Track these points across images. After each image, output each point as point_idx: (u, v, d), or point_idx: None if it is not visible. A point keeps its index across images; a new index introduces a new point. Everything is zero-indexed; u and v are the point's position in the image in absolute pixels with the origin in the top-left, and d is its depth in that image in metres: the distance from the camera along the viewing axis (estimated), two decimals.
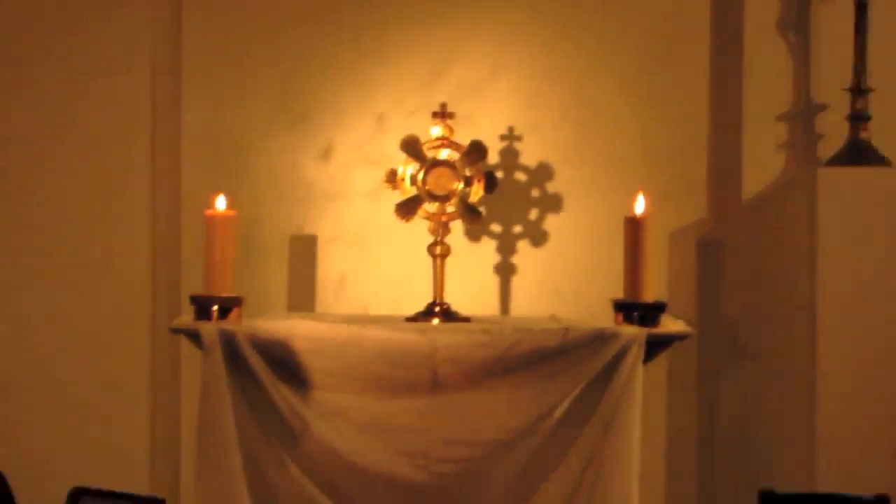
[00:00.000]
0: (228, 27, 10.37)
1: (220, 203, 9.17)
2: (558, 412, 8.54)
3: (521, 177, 10.02)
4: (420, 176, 9.43)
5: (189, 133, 10.20)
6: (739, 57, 10.21)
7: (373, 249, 10.08)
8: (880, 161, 9.70)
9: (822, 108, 9.86)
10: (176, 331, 9.20)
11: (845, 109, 9.70)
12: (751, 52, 10.15)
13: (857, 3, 9.50)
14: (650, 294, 8.96)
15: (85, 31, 10.25)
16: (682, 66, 10.27)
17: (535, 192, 10.06)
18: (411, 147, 9.31)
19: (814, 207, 9.59)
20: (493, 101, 10.04)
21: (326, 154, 10.14)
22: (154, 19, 10.22)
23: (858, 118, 9.66)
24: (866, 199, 9.72)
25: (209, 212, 9.17)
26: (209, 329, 8.56)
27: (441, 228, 9.34)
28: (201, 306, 8.93)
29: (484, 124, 9.83)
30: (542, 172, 10.00)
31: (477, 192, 9.39)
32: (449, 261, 9.41)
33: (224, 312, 8.77)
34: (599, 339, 8.57)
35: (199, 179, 9.79)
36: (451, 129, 9.41)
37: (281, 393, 8.49)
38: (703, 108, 10.24)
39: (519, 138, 9.97)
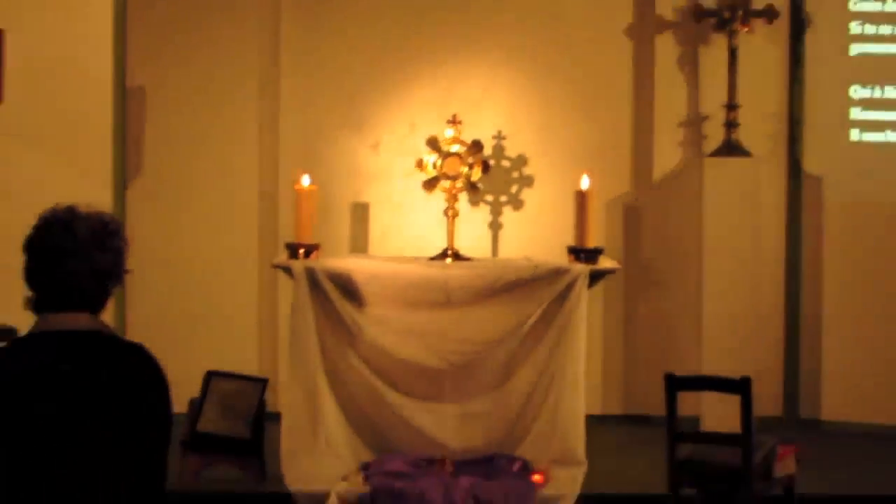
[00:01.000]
0: (315, 59, 10.43)
1: (305, 180, 9.41)
2: (530, 321, 8.89)
3: (505, 164, 10.26)
4: (438, 163, 9.64)
5: (285, 132, 10.41)
6: (652, 81, 10.40)
7: (406, 212, 10.34)
8: (744, 153, 10.08)
9: (707, 117, 9.92)
10: (275, 266, 9.46)
11: (722, 118, 9.76)
12: (660, 79, 10.41)
13: (729, 48, 9.58)
14: (592, 242, 9.30)
15: (212, 59, 10.19)
16: (613, 88, 10.58)
17: (514, 174, 10.33)
18: (433, 144, 9.62)
19: (701, 184, 10.02)
20: (487, 113, 10.28)
21: (376, 147, 10.31)
22: (261, 51, 10.20)
23: (731, 125, 10.01)
24: (735, 178, 9.99)
25: (298, 186, 9.40)
26: (298, 265, 8.97)
27: (452, 198, 9.60)
28: (292, 250, 9.24)
29: (481, 128, 10.03)
30: (520, 161, 10.28)
31: (476, 174, 9.62)
32: (457, 220, 9.51)
33: (307, 254, 9.07)
34: (557, 272, 8.93)
35: (291, 164, 9.85)
36: (459, 132, 9.54)
37: (345, 308, 8.84)
38: (628, 117, 10.53)
39: (504, 138, 10.25)
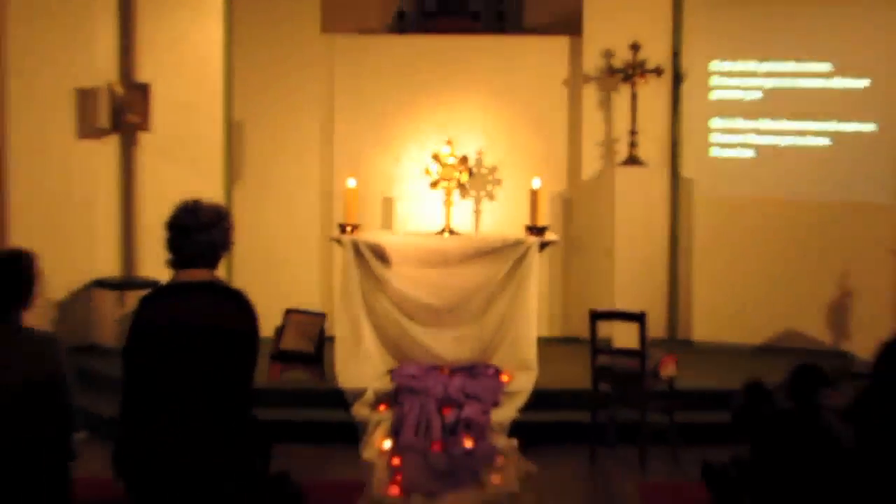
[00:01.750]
0: (357, 100, 10.48)
1: (351, 182, 9.42)
2: (500, 275, 8.97)
3: (483, 171, 10.18)
4: (439, 170, 9.67)
5: (337, 150, 10.41)
6: (580, 115, 10.48)
7: (417, 202, 10.29)
8: (642, 164, 10.05)
9: (617, 140, 10.21)
10: (332, 239, 9.51)
11: (627, 141, 9.99)
12: (585, 114, 10.42)
13: (631, 93, 9.78)
14: (541, 222, 9.31)
15: (289, 100, 10.24)
16: (555, 120, 10.51)
17: (489, 178, 10.30)
18: (436, 157, 9.66)
19: (613, 184, 9.99)
20: (471, 136, 10.23)
21: (397, 160, 10.31)
22: (321, 95, 10.22)
23: (633, 145, 10.03)
24: (635, 180, 10.02)
25: (347, 187, 9.26)
26: (346, 238, 9.07)
27: (448, 193, 9.69)
28: (342, 228, 9.20)
29: (467, 147, 9.97)
30: (493, 169, 10.28)
31: (464, 178, 9.72)
32: (451, 208, 9.70)
33: (352, 231, 9.05)
34: (518, 243, 9.05)
35: (342, 172, 9.81)
36: (453, 149, 9.61)
37: (377, 267, 9.02)
38: (564, 139, 10.58)
39: (482, 153, 10.16)
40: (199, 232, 5.07)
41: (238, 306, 5.05)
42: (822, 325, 9.38)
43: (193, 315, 4.97)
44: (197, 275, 5.06)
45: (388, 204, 10.45)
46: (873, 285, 8.93)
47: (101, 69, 9.38)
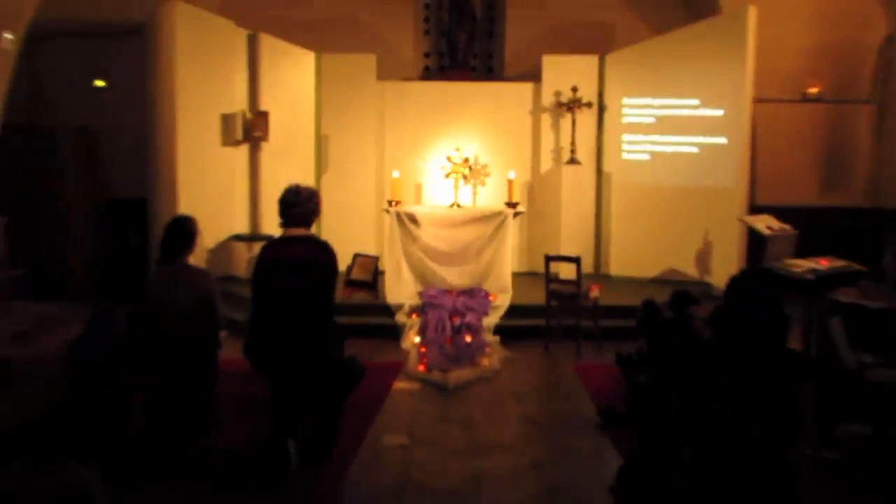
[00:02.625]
0: (398, 117, 10.47)
1: (395, 174, 9.48)
2: (488, 233, 8.94)
3: (479, 167, 10.15)
4: (451, 166, 9.56)
5: (387, 153, 10.33)
6: (540, 132, 10.32)
7: (436, 187, 10.27)
8: (578, 163, 9.90)
9: (563, 148, 9.97)
10: (384, 210, 9.40)
11: (569, 148, 9.72)
12: (543, 131, 10.28)
13: (572, 118, 9.49)
14: (515, 199, 9.33)
15: (354, 119, 10.23)
16: (524, 136, 10.41)
17: (482, 171, 10.21)
18: (449, 158, 9.74)
19: (560, 176, 9.92)
20: (471, 145, 10.17)
21: (424, 160, 10.28)
22: (375, 113, 10.19)
23: (573, 151, 9.94)
24: (574, 174, 9.93)
25: (392, 177, 9.20)
26: (392, 210, 9.00)
27: (456, 181, 9.51)
28: (389, 203, 9.14)
29: (469, 151, 9.95)
30: (485, 166, 10.14)
31: (466, 171, 9.74)
32: (458, 191, 9.66)
33: (396, 205, 8.99)
34: (500, 213, 9.02)
35: (389, 167, 9.86)
36: (459, 153, 9.55)
37: (411, 227, 9.00)
38: (529, 147, 10.45)
39: (478, 156, 10.06)
40: (299, 205, 5.07)
41: (324, 250, 5.07)
42: (692, 265, 9.31)
43: (295, 256, 4.99)
44: (297, 231, 5.09)
45: (418, 188, 10.40)
46: (724, 239, 8.83)
47: (238, 101, 9.30)
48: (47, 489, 3.14)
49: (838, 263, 5.86)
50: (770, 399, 4.41)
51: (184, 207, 7.81)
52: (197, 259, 5.81)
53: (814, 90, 10.00)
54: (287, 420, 4.85)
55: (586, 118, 10.07)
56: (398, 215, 8.89)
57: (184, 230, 5.17)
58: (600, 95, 10.14)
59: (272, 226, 7.13)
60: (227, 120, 9.13)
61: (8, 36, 6.62)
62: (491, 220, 8.92)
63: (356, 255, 8.93)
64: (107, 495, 3.31)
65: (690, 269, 9.33)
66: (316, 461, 4.76)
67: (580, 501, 4.42)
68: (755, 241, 8.24)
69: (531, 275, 9.75)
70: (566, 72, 10.06)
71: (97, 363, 4.61)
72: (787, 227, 7.97)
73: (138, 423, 4.82)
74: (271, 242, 5.27)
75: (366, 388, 5.70)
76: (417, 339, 7.72)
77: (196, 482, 4.46)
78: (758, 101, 9.09)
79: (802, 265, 5.96)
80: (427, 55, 10.90)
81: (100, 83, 9.64)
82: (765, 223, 7.99)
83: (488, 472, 4.81)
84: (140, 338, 4.94)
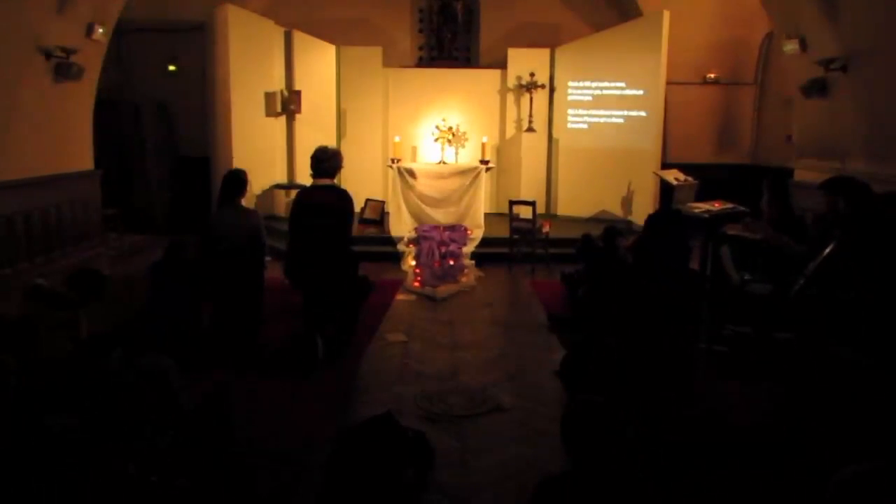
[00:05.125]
0: (401, 97, 10.10)
1: (397, 138, 9.27)
2: (466, 183, 8.80)
3: (460, 133, 9.80)
4: (439, 132, 9.41)
5: (390, 122, 10.03)
6: (505, 108, 10.06)
7: (428, 148, 9.95)
8: (534, 131, 9.71)
9: (521, 119, 9.75)
10: (388, 165, 9.15)
11: (527, 119, 9.54)
12: (507, 107, 10.01)
13: (530, 97, 9.40)
14: (487, 157, 8.95)
15: (366, 98, 9.91)
16: (493, 112, 10.14)
17: (463, 137, 9.93)
18: (437, 127, 9.44)
19: (520, 141, 9.73)
20: (455, 117, 9.93)
21: (418, 127, 9.93)
22: (383, 92, 9.81)
23: (530, 121, 9.70)
24: (531, 140, 9.77)
25: (394, 141, 8.87)
26: (394, 166, 8.78)
27: (444, 144, 9.30)
28: (392, 160, 8.94)
29: (453, 121, 9.70)
30: (464, 133, 9.89)
31: (450, 137, 9.51)
32: (444, 151, 9.32)
33: (397, 162, 8.80)
34: (476, 168, 8.87)
35: (393, 132, 9.67)
36: (446, 122, 9.35)
37: (409, 180, 8.84)
38: (497, 121, 10.19)
39: (460, 125, 9.83)
40: (326, 160, 4.96)
41: (343, 196, 4.99)
42: (619, 207, 9.16)
43: (322, 199, 4.91)
44: (324, 181, 4.98)
45: (414, 150, 10.05)
46: (643, 188, 8.72)
47: (277, 82, 9.00)
48: (137, 372, 3.15)
49: (727, 205, 5.91)
50: (675, 306, 4.44)
51: (237, 163, 7.61)
52: (247, 202, 5.69)
53: (712, 75, 9.89)
54: (315, 322, 4.83)
55: (541, 97, 9.83)
56: (399, 170, 8.69)
57: (237, 179, 5.07)
58: (551, 79, 9.85)
59: (305, 177, 6.97)
60: (269, 97, 8.84)
61: (100, 29, 6.44)
62: (469, 174, 8.75)
63: (367, 200, 8.80)
64: (181, 377, 3.31)
65: (618, 210, 9.19)
66: (337, 353, 4.76)
67: (534, 383, 4.43)
68: (665, 190, 8.25)
69: (498, 215, 9.56)
70: (525, 61, 9.78)
71: (172, 280, 4.58)
72: (689, 178, 7.93)
73: (206, 323, 4.81)
74: (304, 190, 5.18)
75: (374, 300, 5.70)
76: (413, 263, 7.66)
77: (247, 368, 4.45)
78: (670, 83, 8.87)
79: (700, 207, 6.01)
80: (420, 48, 10.53)
81: (172, 68, 9.57)
82: (673, 175, 7.97)
83: (466, 361, 4.82)
84: (206, 260, 4.90)
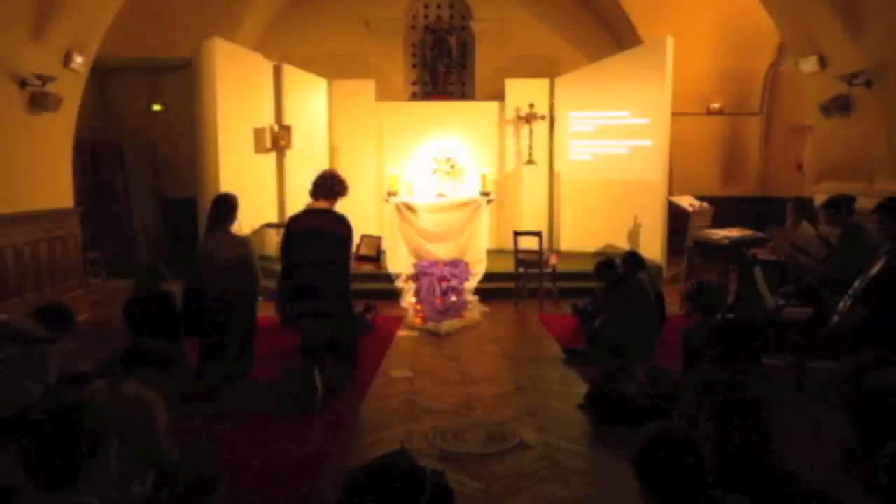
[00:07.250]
0: (394, 126, 9.94)
1: (393, 171, 9.05)
2: (466, 216, 8.65)
3: (459, 166, 9.61)
4: (436, 166, 9.29)
5: (385, 158, 9.86)
6: (504, 140, 9.87)
7: (425, 181, 9.69)
8: (534, 163, 9.62)
9: (521, 152, 9.62)
10: (385, 200, 9.02)
11: (527, 151, 9.39)
12: (506, 139, 9.90)
13: (529, 128, 9.36)
14: (487, 190, 8.67)
15: (357, 133, 9.70)
16: (492, 143, 9.99)
17: (462, 170, 9.69)
18: (434, 159, 9.25)
19: (520, 173, 9.58)
20: (452, 149, 9.72)
21: (415, 160, 9.70)
22: (377, 127, 9.57)
23: (530, 153, 9.55)
24: (532, 173, 9.68)
25: (390, 174, 8.75)
26: (392, 200, 8.65)
27: (442, 177, 9.14)
28: (388, 194, 8.88)
29: (450, 154, 9.54)
30: (463, 166, 9.66)
31: (449, 168, 9.19)
32: (442, 184, 9.04)
33: (395, 196, 8.54)
34: (475, 201, 8.72)
35: (388, 166, 9.52)
36: (444, 155, 9.05)
37: (408, 214, 8.66)
38: (496, 153, 10.00)
39: (458, 158, 9.62)
40: (326, 180, 4.84)
41: (339, 221, 4.77)
42: (625, 240, 8.89)
43: (317, 225, 4.67)
44: (321, 204, 4.75)
45: (411, 183, 9.79)
46: (650, 219, 8.53)
47: (266, 117, 8.83)
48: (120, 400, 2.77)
49: (746, 232, 5.90)
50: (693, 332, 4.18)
51: None
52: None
53: (716, 105, 9.94)
54: (313, 356, 4.52)
55: (540, 128, 9.72)
56: (396, 205, 8.51)
57: (227, 203, 4.85)
58: (551, 110, 9.75)
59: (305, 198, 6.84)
60: (258, 132, 8.68)
61: (78, 59, 6.24)
62: (469, 207, 8.57)
63: (363, 236, 8.49)
64: (166, 414, 2.91)
65: (624, 244, 8.90)
66: (338, 391, 4.44)
67: (557, 418, 4.14)
68: (676, 219, 8.07)
69: (501, 252, 9.23)
70: (524, 92, 9.71)
71: (148, 314, 4.33)
72: (704, 203, 7.77)
73: (191, 362, 4.51)
74: (296, 214, 4.93)
75: (375, 336, 5.44)
76: (413, 300, 7.41)
77: (240, 408, 4.15)
78: (674, 114, 8.74)
79: (719, 233, 5.99)
80: (414, 83, 10.57)
81: (157, 107, 9.65)
82: (688, 202, 7.79)
83: (479, 396, 4.51)
84: (192, 291, 4.61)
